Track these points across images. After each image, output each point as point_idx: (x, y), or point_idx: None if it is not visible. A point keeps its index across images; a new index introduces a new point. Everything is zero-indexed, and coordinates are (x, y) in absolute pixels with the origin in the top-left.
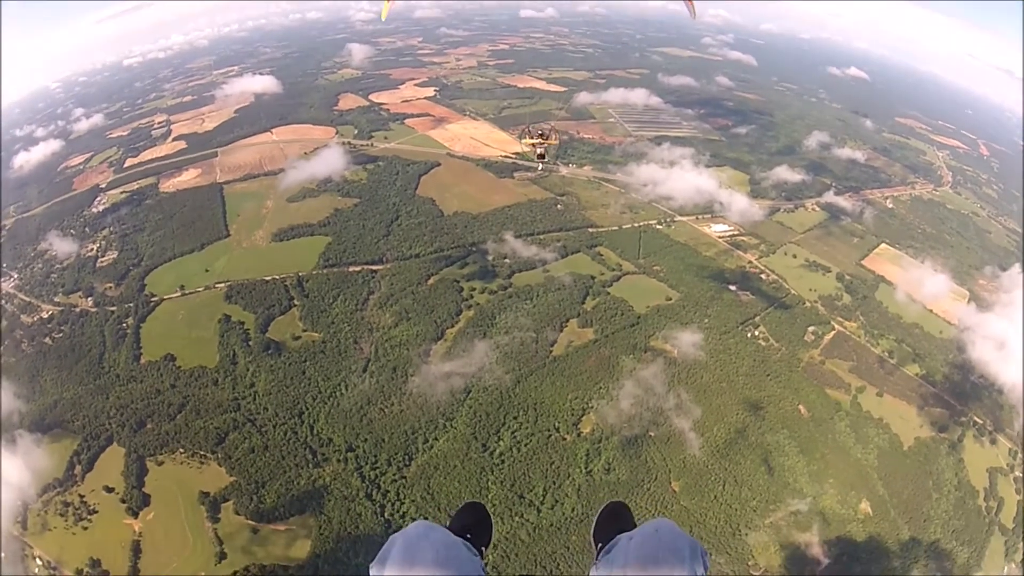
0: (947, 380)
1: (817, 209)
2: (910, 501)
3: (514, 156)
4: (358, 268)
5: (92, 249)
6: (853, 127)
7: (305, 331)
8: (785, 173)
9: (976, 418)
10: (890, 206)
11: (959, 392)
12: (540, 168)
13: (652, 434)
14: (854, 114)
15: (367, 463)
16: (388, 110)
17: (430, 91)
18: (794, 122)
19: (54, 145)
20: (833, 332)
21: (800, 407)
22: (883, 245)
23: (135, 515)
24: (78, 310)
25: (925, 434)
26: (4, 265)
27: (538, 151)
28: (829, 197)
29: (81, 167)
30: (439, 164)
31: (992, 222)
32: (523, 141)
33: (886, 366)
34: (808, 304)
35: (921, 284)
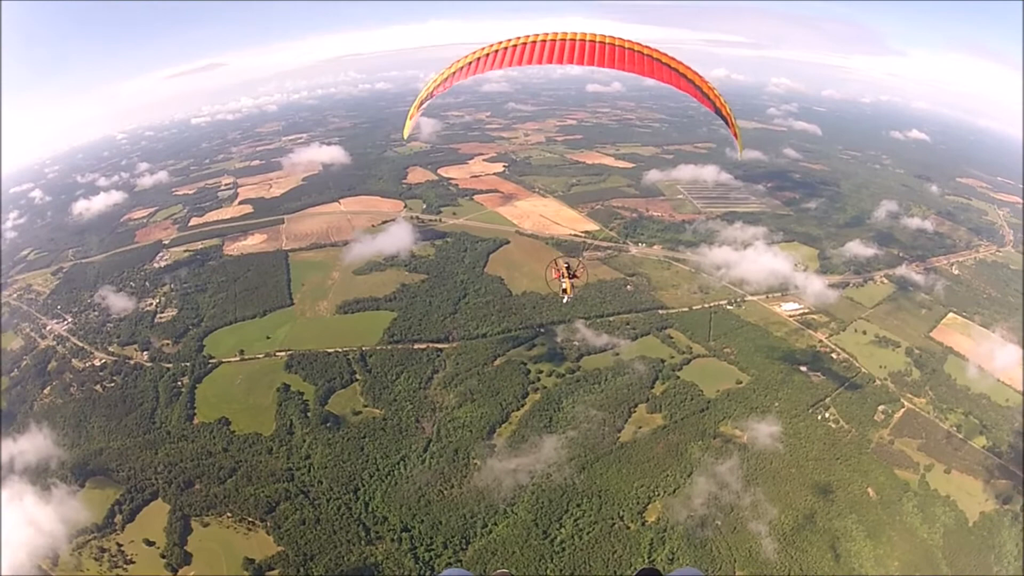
0: (1012, 449)
1: (886, 282)
2: None
3: (584, 235)
4: (423, 345)
5: (151, 304)
6: (917, 192)
7: (366, 406)
8: (855, 248)
9: None
10: (956, 272)
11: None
12: (565, 301)
13: (719, 522)
14: (918, 179)
15: (422, 544)
16: (457, 185)
17: (499, 167)
18: (860, 191)
19: (116, 196)
20: (903, 410)
21: (869, 489)
22: (951, 314)
23: (174, 572)
24: (132, 362)
25: (990, 507)
26: (59, 307)
27: (562, 286)
28: (900, 270)
29: (144, 221)
30: (508, 242)
31: None
32: (548, 277)
33: (954, 441)
34: (878, 382)
35: (988, 353)
